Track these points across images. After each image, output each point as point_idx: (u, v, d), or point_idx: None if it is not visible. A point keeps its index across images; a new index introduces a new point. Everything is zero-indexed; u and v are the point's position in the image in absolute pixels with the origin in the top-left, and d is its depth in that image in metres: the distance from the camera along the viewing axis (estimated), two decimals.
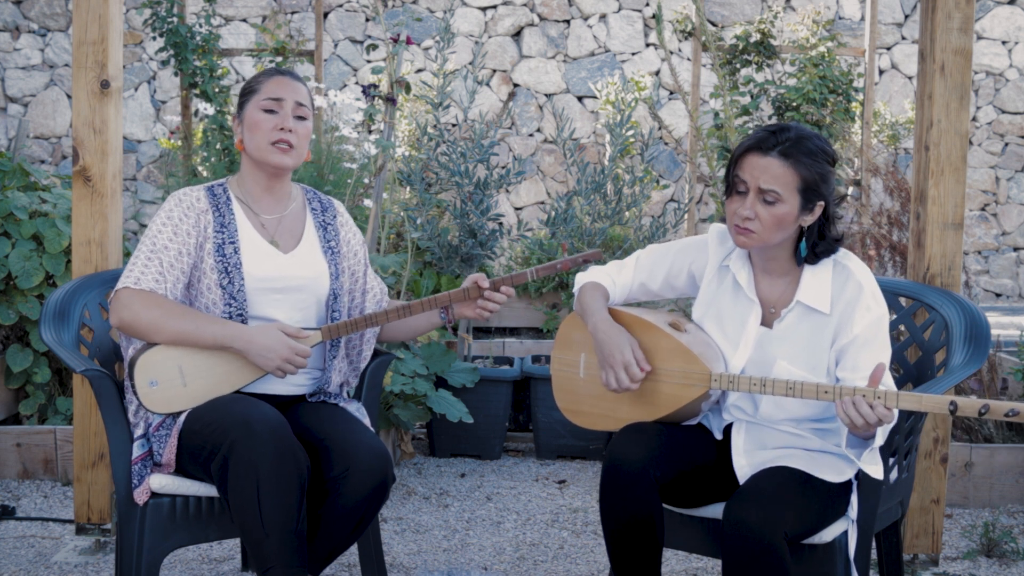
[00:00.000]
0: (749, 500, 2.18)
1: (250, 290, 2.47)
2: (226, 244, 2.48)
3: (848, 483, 2.33)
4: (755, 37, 6.30)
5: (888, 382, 2.28)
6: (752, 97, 6.10)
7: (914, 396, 2.11)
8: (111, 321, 2.42)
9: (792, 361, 2.33)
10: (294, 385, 2.57)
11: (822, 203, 2.32)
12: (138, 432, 2.46)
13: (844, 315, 2.31)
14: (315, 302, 2.57)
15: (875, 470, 2.26)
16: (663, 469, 2.29)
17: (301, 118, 2.55)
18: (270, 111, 2.52)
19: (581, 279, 2.57)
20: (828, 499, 2.27)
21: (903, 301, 2.93)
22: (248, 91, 2.57)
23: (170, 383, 2.38)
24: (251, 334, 2.40)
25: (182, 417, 2.40)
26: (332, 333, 2.51)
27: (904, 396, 2.11)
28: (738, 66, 6.31)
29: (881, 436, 2.21)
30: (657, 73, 8.93)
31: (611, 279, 2.56)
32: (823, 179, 2.30)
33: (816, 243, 2.34)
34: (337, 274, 2.61)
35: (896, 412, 2.14)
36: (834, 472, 2.29)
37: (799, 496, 2.21)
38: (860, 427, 2.14)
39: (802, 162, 2.27)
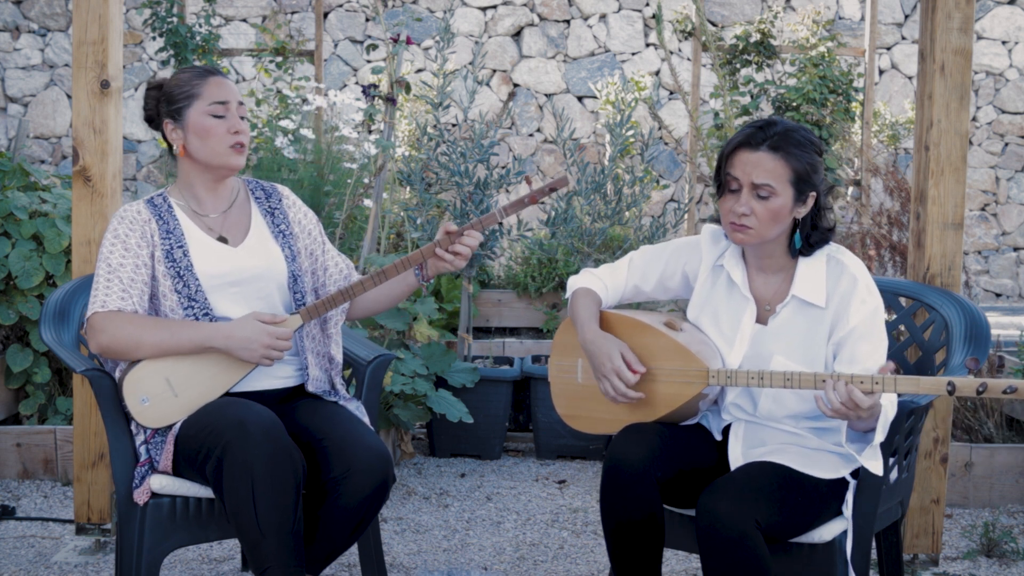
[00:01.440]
0: (720, 491, 2.19)
1: (207, 288, 2.47)
2: (174, 248, 2.48)
3: (842, 481, 2.33)
4: (755, 37, 6.30)
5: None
6: (752, 97, 6.10)
7: (912, 379, 2.13)
8: (91, 349, 2.42)
9: (788, 356, 2.34)
10: (280, 378, 2.56)
11: (814, 193, 2.33)
12: (139, 439, 2.46)
13: (840, 308, 2.31)
14: (276, 288, 2.56)
15: (875, 466, 2.26)
16: (663, 469, 2.29)
17: (243, 117, 2.55)
18: (219, 116, 2.51)
19: (573, 284, 2.56)
20: (814, 495, 2.26)
21: (903, 301, 2.93)
22: (187, 95, 2.52)
23: (161, 396, 2.38)
24: (228, 329, 2.39)
25: (177, 424, 2.40)
26: (311, 314, 2.49)
27: (902, 380, 2.13)
28: (738, 66, 6.31)
29: (881, 432, 2.21)
30: (657, 73, 8.93)
31: (603, 283, 2.56)
32: (813, 169, 2.32)
33: (810, 233, 2.36)
34: (293, 256, 2.59)
35: (867, 399, 2.13)
36: (826, 469, 2.29)
37: (774, 487, 2.21)
38: (839, 413, 2.14)
39: (792, 154, 2.29)
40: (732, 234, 2.34)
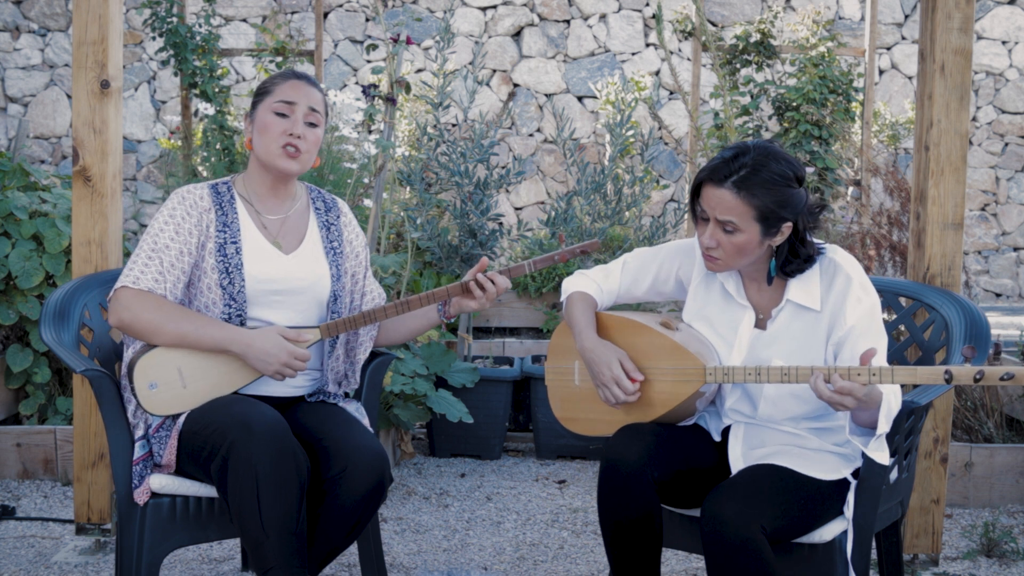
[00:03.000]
0: (724, 495, 2.19)
1: (250, 291, 2.47)
2: (228, 244, 2.47)
3: (843, 482, 2.33)
4: (755, 37, 6.29)
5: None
6: (752, 97, 6.10)
7: (909, 369, 2.12)
8: (110, 321, 2.42)
9: (787, 360, 2.34)
10: (293, 387, 2.56)
11: (789, 224, 2.29)
12: (138, 433, 2.46)
13: (836, 309, 2.31)
14: (316, 304, 2.57)
15: (881, 456, 2.25)
16: (661, 468, 2.29)
17: (312, 124, 2.53)
18: (281, 115, 2.50)
19: (568, 287, 2.57)
20: (815, 496, 2.26)
21: (903, 301, 2.92)
22: (262, 91, 2.55)
23: (170, 385, 2.38)
24: (251, 338, 2.39)
25: (182, 418, 2.39)
26: (331, 331, 2.50)
27: (899, 370, 2.12)
28: (738, 66, 6.31)
29: (885, 423, 2.20)
30: (657, 73, 8.93)
31: (597, 286, 2.56)
32: (782, 205, 2.26)
33: (788, 260, 2.34)
34: (339, 275, 2.60)
35: (850, 386, 2.11)
36: (826, 470, 2.29)
37: (778, 491, 2.21)
38: (836, 404, 2.13)
39: (755, 194, 2.24)
40: (705, 262, 2.36)
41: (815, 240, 2.38)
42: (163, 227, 2.45)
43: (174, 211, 2.47)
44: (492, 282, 2.51)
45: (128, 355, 2.44)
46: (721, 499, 2.18)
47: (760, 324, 2.40)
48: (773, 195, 2.25)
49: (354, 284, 2.68)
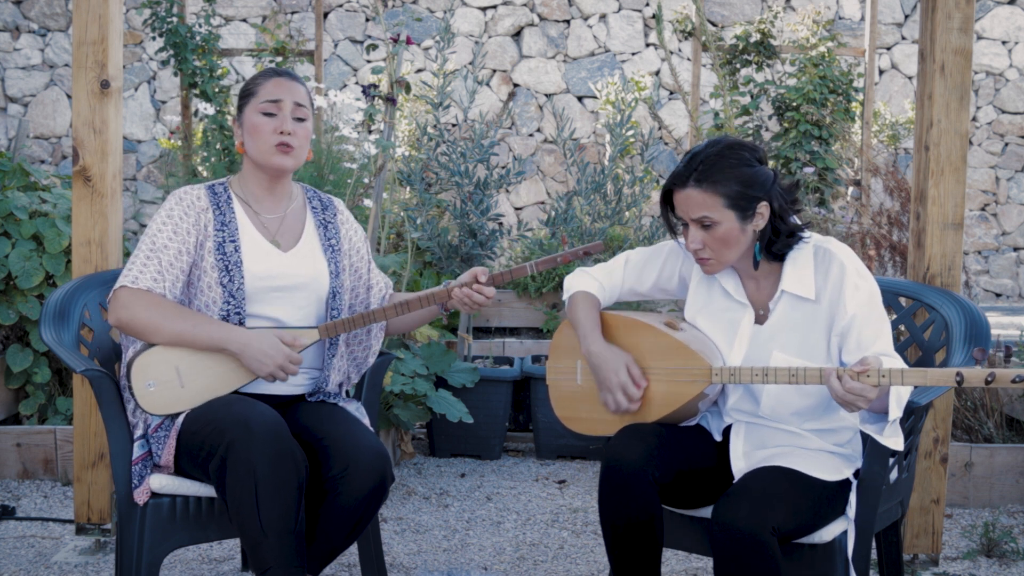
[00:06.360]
0: (737, 498, 2.18)
1: (250, 288, 2.47)
2: (226, 242, 2.48)
3: (846, 482, 2.33)
4: (755, 37, 6.29)
5: (896, 360, 2.26)
6: (752, 97, 6.10)
7: (919, 371, 2.11)
8: (109, 320, 2.43)
9: (786, 351, 2.34)
10: (293, 385, 2.56)
11: (764, 203, 2.32)
12: (137, 432, 2.46)
13: (834, 298, 2.31)
14: (315, 300, 2.57)
15: (896, 442, 2.25)
16: (662, 469, 2.29)
17: (300, 119, 2.54)
18: (269, 114, 2.51)
19: (570, 286, 2.57)
20: (823, 497, 2.27)
21: (903, 301, 2.92)
22: (247, 93, 2.56)
23: (168, 384, 2.38)
24: (248, 338, 2.39)
25: (180, 418, 2.39)
26: (330, 331, 2.50)
27: (909, 372, 2.11)
28: (738, 66, 6.31)
29: (897, 408, 2.19)
30: (657, 73, 8.93)
31: (599, 284, 2.57)
32: (748, 184, 2.30)
33: (772, 241, 2.35)
34: (337, 272, 2.60)
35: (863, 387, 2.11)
36: (830, 471, 2.29)
37: (789, 493, 2.21)
38: (847, 404, 2.13)
39: (717, 181, 2.28)
40: (701, 267, 2.39)
41: (798, 220, 2.39)
42: (161, 227, 2.46)
43: (172, 211, 2.48)
44: (480, 293, 2.51)
45: (128, 354, 2.44)
46: (733, 503, 2.17)
47: (760, 320, 2.41)
48: (735, 178, 2.29)
49: (357, 279, 2.69)
